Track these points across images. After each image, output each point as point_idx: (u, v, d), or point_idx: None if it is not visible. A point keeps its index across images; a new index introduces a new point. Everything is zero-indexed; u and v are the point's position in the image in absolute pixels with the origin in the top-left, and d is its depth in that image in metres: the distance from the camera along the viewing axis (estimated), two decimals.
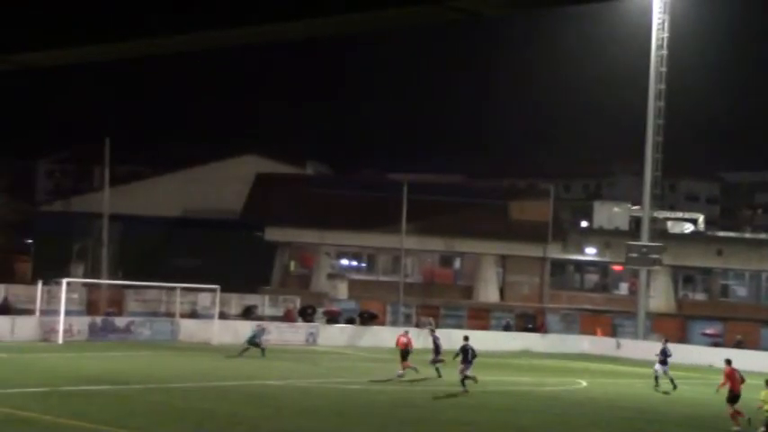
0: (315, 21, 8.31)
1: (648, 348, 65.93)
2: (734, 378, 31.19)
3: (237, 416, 28.19)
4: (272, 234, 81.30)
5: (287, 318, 64.05)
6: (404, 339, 42.75)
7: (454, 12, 7.84)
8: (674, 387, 42.90)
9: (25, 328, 52.77)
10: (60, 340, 51.81)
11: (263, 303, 67.17)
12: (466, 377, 37.80)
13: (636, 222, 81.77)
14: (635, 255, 69.94)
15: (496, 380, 43.90)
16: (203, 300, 62.66)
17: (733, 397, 30.75)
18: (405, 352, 41.90)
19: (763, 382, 29.05)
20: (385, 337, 64.81)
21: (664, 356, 43.86)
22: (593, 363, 57.06)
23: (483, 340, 58.38)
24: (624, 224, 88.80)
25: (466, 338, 39.71)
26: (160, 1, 8.52)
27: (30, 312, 55.20)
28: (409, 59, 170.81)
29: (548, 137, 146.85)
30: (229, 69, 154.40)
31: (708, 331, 68.44)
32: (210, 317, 59.41)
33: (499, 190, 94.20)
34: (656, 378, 43.80)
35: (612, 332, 70.60)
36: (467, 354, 38.43)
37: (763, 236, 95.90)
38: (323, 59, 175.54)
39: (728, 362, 32.28)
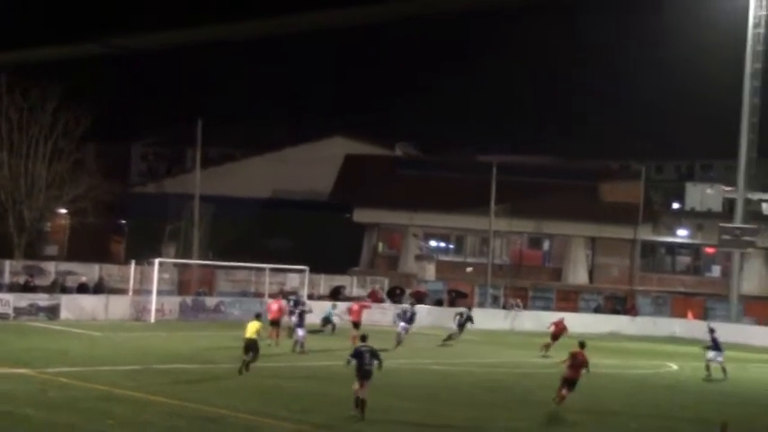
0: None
1: (741, 332, 65.14)
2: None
3: (326, 395, 28.42)
4: (361, 215, 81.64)
5: (372, 298, 64.17)
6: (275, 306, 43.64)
7: None
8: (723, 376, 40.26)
9: (118, 307, 53.82)
10: (152, 319, 52.78)
11: (351, 284, 67.53)
12: None
13: (729, 204, 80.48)
14: (728, 237, 68.89)
15: None
16: (292, 280, 63.22)
17: None
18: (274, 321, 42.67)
19: None
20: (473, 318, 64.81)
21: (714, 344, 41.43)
22: (684, 346, 56.33)
23: (572, 322, 58.11)
24: (717, 206, 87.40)
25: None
26: None
27: (123, 292, 56.28)
28: (500, 41, 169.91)
29: (640, 118, 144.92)
30: (318, 51, 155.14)
31: None
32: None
33: (590, 171, 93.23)
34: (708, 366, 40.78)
35: (704, 315, 69.63)
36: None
37: None
38: (413, 41, 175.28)
39: None
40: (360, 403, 24.56)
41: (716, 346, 40.98)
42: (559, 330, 46.93)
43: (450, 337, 49.89)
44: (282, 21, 8.97)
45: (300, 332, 40.91)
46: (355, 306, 48.05)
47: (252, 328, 32.77)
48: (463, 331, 50.77)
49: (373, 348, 25.49)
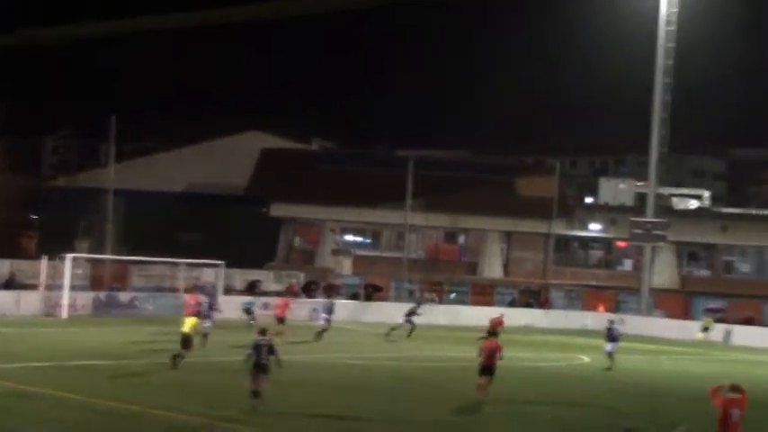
0: None
1: (652, 324, 66.30)
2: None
3: (240, 390, 28.23)
4: (277, 210, 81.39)
5: (288, 293, 64.09)
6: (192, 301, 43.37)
7: None
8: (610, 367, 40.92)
9: (30, 302, 52.98)
10: (64, 315, 52.07)
11: (267, 279, 67.34)
12: None
13: (641, 198, 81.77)
14: (639, 231, 69.98)
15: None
16: (207, 275, 62.78)
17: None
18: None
19: None
20: (388, 312, 64.99)
21: (611, 336, 42.23)
22: (596, 339, 57.05)
23: (486, 316, 58.58)
24: (629, 200, 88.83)
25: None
26: None
27: (34, 287, 55.37)
28: (417, 35, 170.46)
29: (556, 113, 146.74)
30: (233, 46, 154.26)
31: (711, 307, 68.44)
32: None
33: (505, 166, 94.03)
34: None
35: (616, 308, 70.62)
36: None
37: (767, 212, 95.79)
38: (329, 36, 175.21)
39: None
40: (256, 395, 24.50)
41: (612, 337, 41.66)
42: (495, 326, 46.89)
43: (410, 333, 50.50)
44: (198, 15, 8.91)
45: (206, 324, 40.70)
46: (280, 301, 48.26)
47: (188, 323, 33.13)
48: (410, 324, 50.97)
49: (271, 343, 25.43)
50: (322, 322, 48.10)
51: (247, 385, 24.75)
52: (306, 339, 45.34)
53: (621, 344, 42.58)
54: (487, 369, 28.98)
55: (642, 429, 26.08)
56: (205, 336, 40.28)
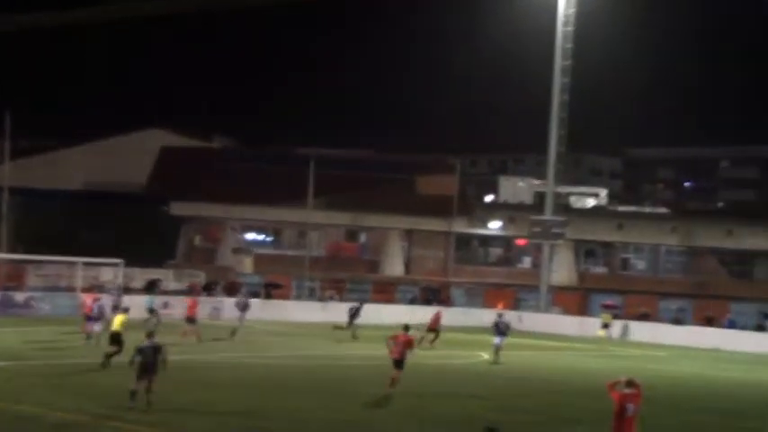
0: None
1: (550, 321, 67.22)
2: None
3: (139, 391, 27.99)
4: (178, 208, 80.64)
5: (191, 292, 63.51)
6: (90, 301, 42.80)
7: None
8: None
9: None
10: None
11: (167, 278, 66.69)
12: None
13: (540, 197, 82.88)
14: (538, 229, 70.88)
15: None
16: (106, 274, 61.90)
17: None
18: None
19: None
20: (290, 310, 64.89)
21: (498, 330, 42.88)
22: (495, 336, 57.62)
23: (387, 314, 58.94)
24: (528, 199, 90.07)
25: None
26: None
27: None
28: (317, 34, 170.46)
29: (455, 113, 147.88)
30: (134, 42, 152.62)
31: (606, 303, 69.56)
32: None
33: (406, 164, 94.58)
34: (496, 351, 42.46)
35: (515, 305, 71.30)
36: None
37: (662, 210, 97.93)
38: (231, 33, 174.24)
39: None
40: (147, 397, 24.28)
41: (499, 331, 42.50)
42: (435, 323, 48.22)
43: (338, 327, 50.80)
44: (96, 10, 8.83)
45: (96, 327, 40.10)
46: (190, 301, 47.79)
47: (117, 321, 33.07)
48: (353, 323, 51.00)
49: (157, 345, 25.22)
50: (239, 322, 48.31)
51: (131, 386, 24.53)
52: (207, 338, 45.04)
53: (522, 340, 43.28)
54: (398, 362, 29.64)
55: (519, 422, 26.46)
56: (89, 335, 39.76)
